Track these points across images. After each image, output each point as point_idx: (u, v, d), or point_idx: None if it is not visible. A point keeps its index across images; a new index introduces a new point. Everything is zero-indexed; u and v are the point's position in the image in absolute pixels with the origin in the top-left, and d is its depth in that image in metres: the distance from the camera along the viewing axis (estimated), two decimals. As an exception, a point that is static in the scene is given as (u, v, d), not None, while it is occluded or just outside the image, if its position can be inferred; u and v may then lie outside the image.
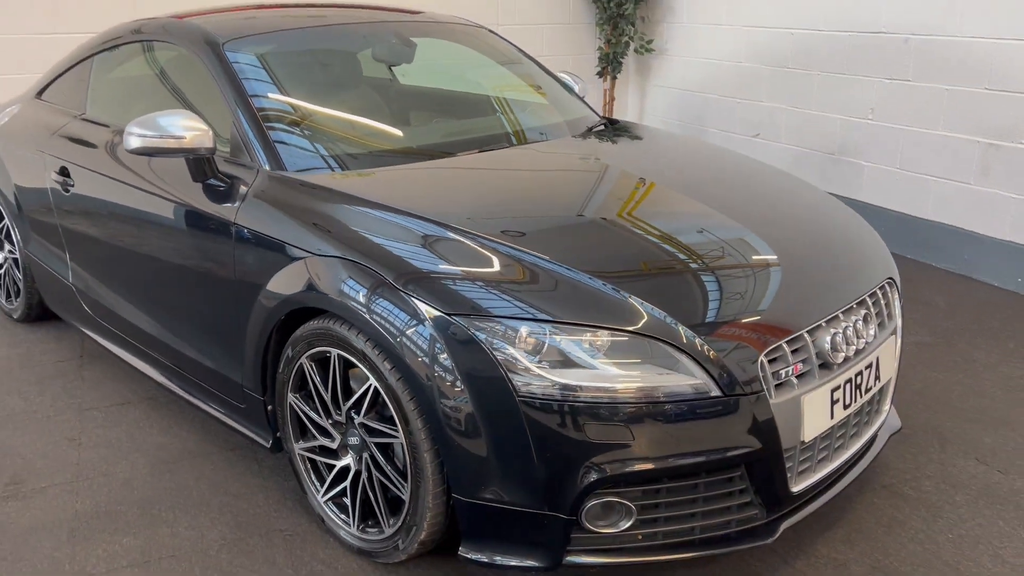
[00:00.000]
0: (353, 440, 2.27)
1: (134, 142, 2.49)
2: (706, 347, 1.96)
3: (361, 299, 2.10)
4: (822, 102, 5.31)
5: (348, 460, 2.31)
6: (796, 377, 2.06)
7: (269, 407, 2.51)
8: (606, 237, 2.28)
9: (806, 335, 2.10)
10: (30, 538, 2.43)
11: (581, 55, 6.91)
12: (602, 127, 3.31)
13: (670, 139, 3.39)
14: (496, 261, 2.09)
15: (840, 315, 2.20)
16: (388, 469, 2.18)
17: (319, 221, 2.30)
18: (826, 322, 2.16)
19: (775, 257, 2.29)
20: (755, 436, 1.97)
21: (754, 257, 2.27)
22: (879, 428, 2.46)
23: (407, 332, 2.02)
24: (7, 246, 3.87)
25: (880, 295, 2.41)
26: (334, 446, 2.33)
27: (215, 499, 2.60)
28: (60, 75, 3.65)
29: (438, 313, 1.99)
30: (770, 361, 2.01)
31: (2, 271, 3.98)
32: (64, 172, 3.22)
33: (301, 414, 2.39)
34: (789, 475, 2.08)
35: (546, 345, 1.93)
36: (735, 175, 2.91)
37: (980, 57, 4.31)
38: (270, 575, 2.27)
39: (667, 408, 1.91)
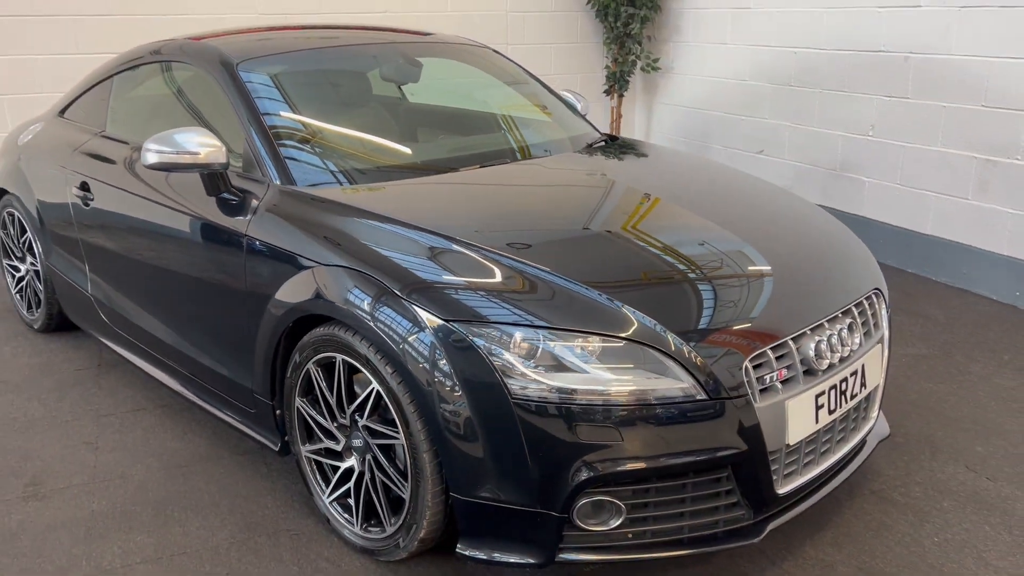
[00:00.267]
0: (357, 442, 2.37)
1: (151, 158, 2.62)
2: (693, 353, 2.05)
3: (366, 307, 2.20)
4: (824, 119, 5.41)
5: (352, 461, 2.40)
6: (781, 382, 2.15)
7: (278, 411, 2.61)
8: (609, 249, 2.38)
9: (791, 342, 2.19)
10: (49, 535, 2.54)
11: (589, 74, 7.04)
12: (603, 143, 3.42)
13: (673, 156, 3.49)
14: (498, 272, 2.19)
15: (825, 323, 2.29)
16: (390, 470, 2.27)
17: (328, 233, 2.41)
18: (811, 330, 2.25)
19: (769, 268, 2.38)
20: (740, 438, 2.05)
21: (750, 268, 2.37)
22: (867, 434, 2.54)
23: (409, 339, 2.12)
24: (29, 259, 4.01)
25: (866, 305, 2.49)
26: (339, 448, 2.43)
27: (225, 501, 2.71)
28: (82, 94, 3.80)
29: (438, 320, 2.09)
30: (755, 367, 2.10)
31: (24, 283, 4.12)
32: (85, 187, 3.36)
33: (308, 418, 2.49)
34: (775, 477, 2.16)
35: (540, 350, 2.03)
36: (735, 191, 3.00)
37: (976, 75, 4.40)
38: (277, 572, 2.37)
39: (654, 411, 2.00)
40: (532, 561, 2.10)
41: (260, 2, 5.90)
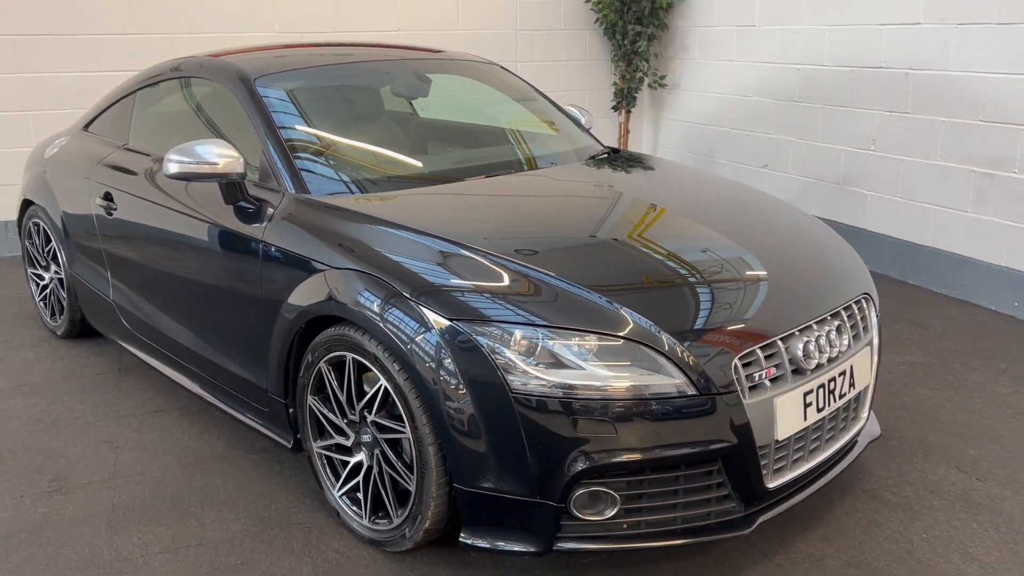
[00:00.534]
0: (366, 438, 2.49)
1: (173, 168, 2.76)
2: (686, 352, 2.16)
3: (376, 308, 2.32)
4: (827, 134, 5.52)
5: (361, 456, 2.52)
6: (769, 380, 2.25)
7: (291, 410, 2.73)
8: (614, 256, 2.50)
9: (779, 342, 2.29)
10: (72, 527, 2.66)
11: (597, 90, 7.18)
12: (606, 155, 3.54)
13: (678, 169, 3.61)
14: (503, 276, 2.30)
15: (813, 325, 2.39)
16: (397, 464, 2.38)
17: (340, 239, 2.54)
18: (799, 331, 2.35)
19: (765, 273, 2.50)
20: (729, 432, 2.15)
21: (747, 273, 2.49)
22: (857, 434, 2.63)
23: (416, 338, 2.23)
24: (53, 267, 4.16)
25: (856, 309, 2.59)
26: (348, 444, 2.54)
27: (240, 496, 2.82)
28: (106, 109, 3.95)
29: (445, 321, 2.20)
30: (745, 365, 2.20)
31: (48, 291, 4.27)
32: (108, 197, 3.50)
33: (319, 415, 2.61)
34: (764, 472, 2.26)
35: (539, 347, 2.14)
36: (736, 202, 3.12)
37: (974, 91, 4.50)
38: (289, 562, 2.47)
39: (647, 406, 2.11)
40: (531, 549, 2.20)
41: (277, 21, 6.08)
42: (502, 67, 3.98)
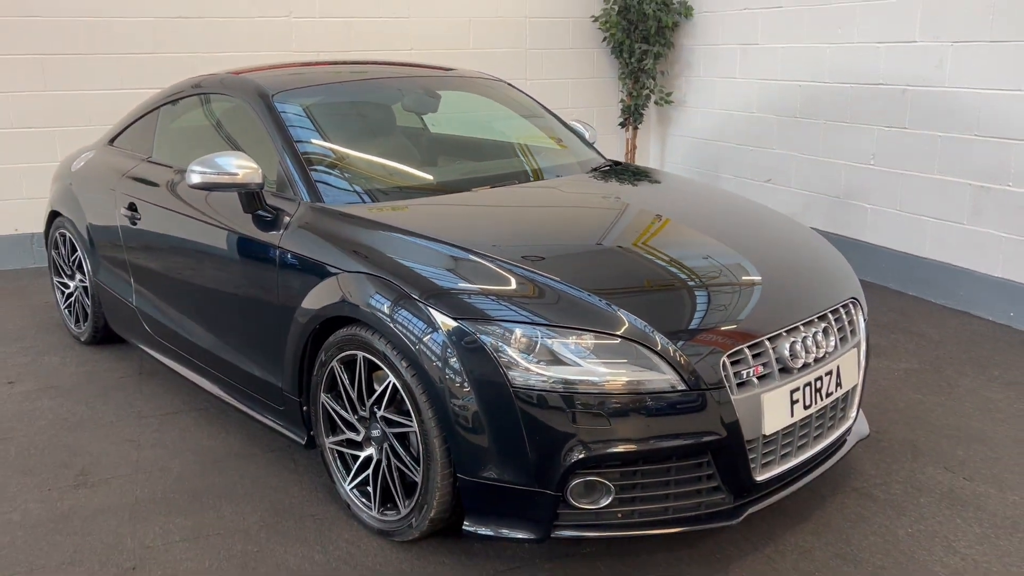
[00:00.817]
0: (375, 433, 2.62)
1: (195, 178, 2.92)
2: (678, 351, 2.29)
3: (386, 310, 2.46)
4: (828, 149, 5.65)
5: (371, 451, 2.65)
6: (757, 378, 2.37)
7: (304, 408, 2.87)
8: (619, 262, 2.65)
9: (767, 341, 2.42)
10: (97, 517, 2.80)
11: (605, 107, 7.34)
12: (608, 167, 3.69)
13: (682, 182, 3.75)
14: (510, 280, 2.44)
15: (800, 326, 2.52)
16: (405, 457, 2.52)
17: (353, 245, 2.69)
18: (786, 331, 2.48)
19: (759, 278, 2.63)
20: (718, 426, 2.28)
21: (743, 278, 2.63)
22: (845, 432, 2.75)
23: (424, 338, 2.37)
24: (78, 276, 4.33)
25: (843, 312, 2.72)
26: (359, 439, 2.68)
27: (256, 491, 2.96)
28: (130, 124, 4.14)
29: (452, 323, 2.34)
30: (733, 363, 2.33)
31: (72, 299, 4.44)
32: (132, 207, 3.68)
33: (332, 412, 2.75)
34: (753, 465, 2.38)
35: (539, 345, 2.28)
36: (736, 213, 3.27)
37: (969, 106, 4.63)
38: (302, 551, 2.61)
39: (639, 400, 2.24)
40: (531, 536, 2.32)
41: (294, 41, 6.28)
42: (509, 84, 4.14)
